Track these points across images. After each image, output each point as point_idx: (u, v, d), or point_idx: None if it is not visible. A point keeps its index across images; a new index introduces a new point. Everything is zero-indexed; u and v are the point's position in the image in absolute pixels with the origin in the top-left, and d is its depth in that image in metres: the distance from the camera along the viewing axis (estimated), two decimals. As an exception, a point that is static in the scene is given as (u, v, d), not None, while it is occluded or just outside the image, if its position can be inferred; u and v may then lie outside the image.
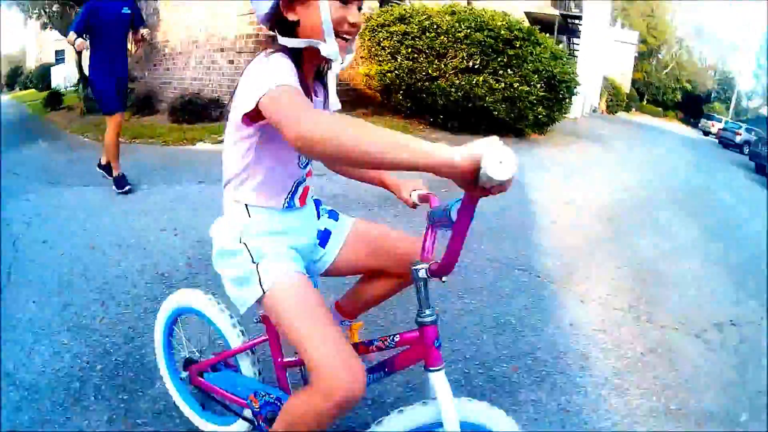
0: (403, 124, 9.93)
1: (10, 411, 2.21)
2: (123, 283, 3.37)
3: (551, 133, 12.22)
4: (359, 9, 1.45)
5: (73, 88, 20.23)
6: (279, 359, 1.74)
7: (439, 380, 1.37)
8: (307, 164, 1.64)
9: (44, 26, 20.01)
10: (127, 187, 5.35)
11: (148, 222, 4.48)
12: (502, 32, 9.53)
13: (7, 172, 6.20)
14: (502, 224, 5.05)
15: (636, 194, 7.97)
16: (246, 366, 1.87)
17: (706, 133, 37.01)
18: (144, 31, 5.61)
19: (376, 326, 3.01)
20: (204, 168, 6.49)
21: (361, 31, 1.45)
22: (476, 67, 9.53)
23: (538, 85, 9.87)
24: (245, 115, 1.33)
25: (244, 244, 1.51)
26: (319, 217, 1.77)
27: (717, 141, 31.28)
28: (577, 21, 22.67)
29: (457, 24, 9.57)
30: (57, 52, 31.05)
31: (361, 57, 10.55)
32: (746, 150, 22.85)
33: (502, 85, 9.53)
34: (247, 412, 1.83)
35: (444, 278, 1.34)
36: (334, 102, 1.51)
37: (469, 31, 9.46)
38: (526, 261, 4.38)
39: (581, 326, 3.43)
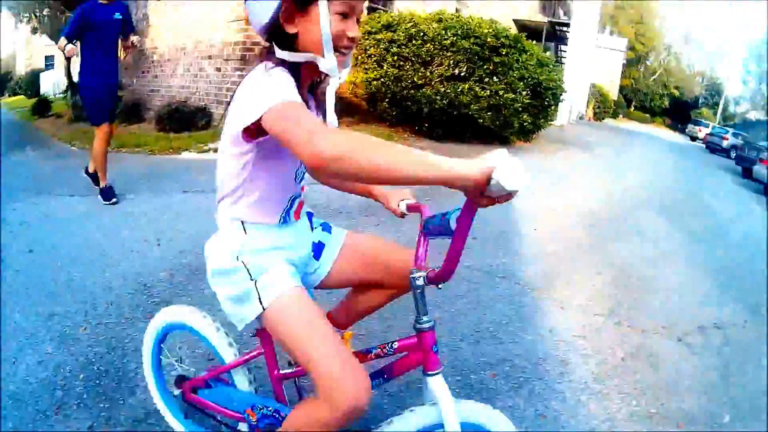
0: (388, 133, 9.97)
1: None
2: (106, 293, 3.39)
3: (537, 140, 12.32)
4: (358, 22, 1.44)
5: (62, 95, 20.19)
6: (275, 372, 1.74)
7: (438, 383, 1.41)
8: (302, 178, 1.65)
9: (34, 31, 19.99)
10: (113, 200, 5.35)
11: (131, 232, 4.50)
12: (489, 40, 9.62)
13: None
14: (484, 232, 5.06)
15: (620, 200, 8.04)
16: (241, 380, 1.86)
17: (694, 139, 37.42)
18: (134, 38, 5.59)
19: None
20: (188, 177, 6.52)
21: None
22: (462, 74, 9.59)
23: (524, 93, 9.95)
24: (244, 130, 1.33)
25: (242, 262, 1.50)
26: (312, 229, 1.77)
27: (704, 146, 31.54)
28: (565, 28, 22.84)
29: (443, 31, 9.63)
30: (47, 58, 30.95)
31: (347, 65, 10.58)
32: (733, 154, 23.02)
33: (488, 92, 9.60)
34: (243, 426, 1.83)
35: (440, 285, 1.39)
36: (332, 119, 1.46)
37: (455, 38, 9.54)
38: (507, 268, 4.37)
39: (561, 332, 3.43)
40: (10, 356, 2.69)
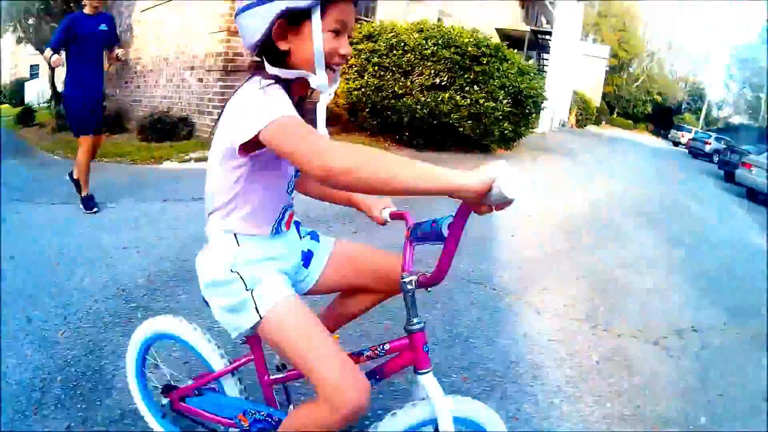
0: (368, 142, 9.99)
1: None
2: (85, 298, 3.45)
3: (518, 147, 12.37)
4: (349, 38, 1.45)
5: (46, 104, 20.13)
6: (265, 377, 1.76)
7: (430, 381, 1.47)
8: (293, 189, 1.68)
9: (19, 40, 19.90)
10: (94, 209, 5.38)
11: (111, 240, 4.55)
12: (470, 49, 9.68)
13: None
14: (461, 239, 5.06)
15: (600, 206, 8.07)
16: (231, 386, 1.87)
17: (676, 144, 37.43)
18: (120, 52, 5.65)
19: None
20: (169, 187, 6.60)
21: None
22: (443, 83, 9.64)
23: (505, 101, 9.99)
24: (241, 144, 1.34)
25: (237, 273, 1.51)
26: (300, 238, 1.80)
27: (687, 151, 31.62)
28: (547, 36, 23.00)
29: (424, 41, 9.68)
30: (32, 67, 30.78)
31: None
32: (716, 159, 23.11)
33: (468, 101, 9.63)
34: None
35: (429, 289, 1.45)
36: (323, 132, 1.43)
37: (436, 48, 9.59)
38: (483, 275, 4.39)
39: (535, 337, 3.45)
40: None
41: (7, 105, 27.76)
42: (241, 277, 1.50)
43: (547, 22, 23.88)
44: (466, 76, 9.73)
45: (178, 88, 10.87)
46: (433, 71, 9.62)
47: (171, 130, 9.93)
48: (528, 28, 21.94)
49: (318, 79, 1.40)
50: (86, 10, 5.37)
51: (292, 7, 1.33)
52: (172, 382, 2.07)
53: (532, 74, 11.09)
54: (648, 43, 56.55)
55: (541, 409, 2.67)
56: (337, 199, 1.90)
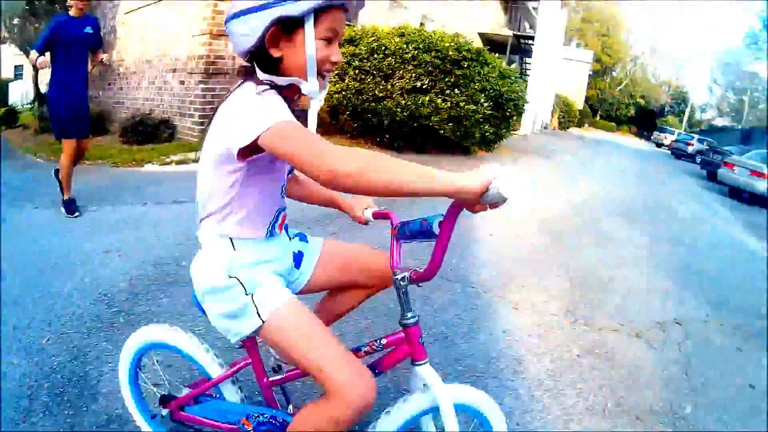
0: (349, 144, 9.85)
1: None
2: (68, 303, 3.45)
3: (499, 149, 12.45)
4: (339, 46, 1.47)
5: (29, 106, 19.97)
6: (264, 379, 1.75)
7: (428, 371, 1.52)
8: (284, 192, 1.70)
9: (3, 41, 19.72)
10: (75, 214, 5.38)
11: (93, 244, 4.55)
12: (450, 53, 9.79)
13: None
14: None
15: (582, 205, 8.15)
16: (230, 392, 1.86)
17: (659, 146, 37.65)
18: (104, 56, 5.66)
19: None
20: (150, 190, 6.61)
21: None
22: (423, 87, 9.72)
23: (485, 104, 10.09)
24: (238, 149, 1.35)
25: (236, 277, 1.51)
26: (290, 239, 1.81)
27: (670, 152, 31.93)
28: (530, 41, 23.17)
29: (405, 45, 9.77)
30: (16, 68, 30.52)
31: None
32: (698, 159, 23.44)
33: (449, 104, 9.72)
34: None
35: (420, 284, 1.51)
36: None
37: (417, 52, 9.69)
38: (462, 273, 4.43)
39: (515, 332, 3.48)
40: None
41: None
42: (240, 281, 1.51)
43: (531, 27, 24.02)
44: (446, 79, 9.82)
45: (160, 91, 10.88)
46: (413, 75, 9.70)
47: (153, 133, 9.94)
48: (511, 33, 22.11)
49: (309, 86, 1.43)
50: (72, 12, 5.37)
51: (286, 15, 1.34)
52: (169, 392, 2.04)
53: (512, 78, 11.19)
54: (631, 48, 57.08)
55: (523, 402, 2.71)
56: (319, 200, 1.94)
